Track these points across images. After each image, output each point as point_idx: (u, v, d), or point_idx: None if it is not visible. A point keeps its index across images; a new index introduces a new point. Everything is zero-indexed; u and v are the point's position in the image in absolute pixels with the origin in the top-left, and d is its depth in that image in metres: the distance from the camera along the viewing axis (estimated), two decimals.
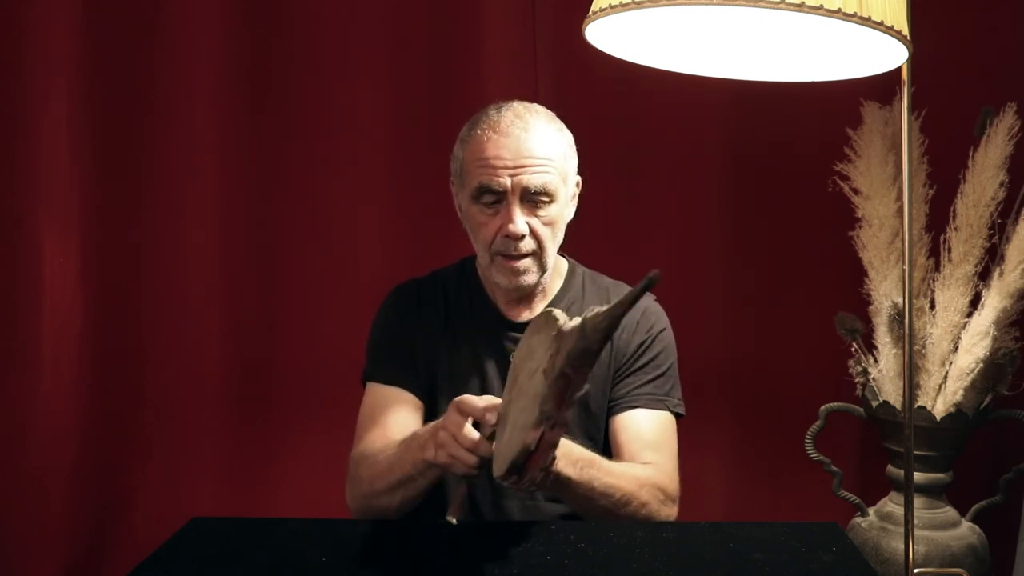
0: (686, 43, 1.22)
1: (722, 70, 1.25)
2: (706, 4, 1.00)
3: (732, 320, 2.14)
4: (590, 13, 1.09)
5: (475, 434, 1.10)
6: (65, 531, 2.10)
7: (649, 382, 1.42)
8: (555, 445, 0.96)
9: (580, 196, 1.47)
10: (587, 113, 2.02)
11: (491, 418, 1.09)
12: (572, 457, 1.20)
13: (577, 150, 1.44)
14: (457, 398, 1.14)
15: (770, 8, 0.95)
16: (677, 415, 1.44)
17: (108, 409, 2.12)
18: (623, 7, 1.01)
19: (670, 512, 1.33)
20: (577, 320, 0.95)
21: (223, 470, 2.14)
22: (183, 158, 2.09)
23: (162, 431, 2.14)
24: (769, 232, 2.13)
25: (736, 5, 0.97)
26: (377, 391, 1.43)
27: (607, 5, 1.04)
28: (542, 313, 1.04)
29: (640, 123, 2.11)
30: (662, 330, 1.47)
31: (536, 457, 0.94)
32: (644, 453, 1.36)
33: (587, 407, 1.41)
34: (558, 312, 1.00)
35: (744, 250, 2.14)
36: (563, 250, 1.47)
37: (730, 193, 2.13)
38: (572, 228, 1.45)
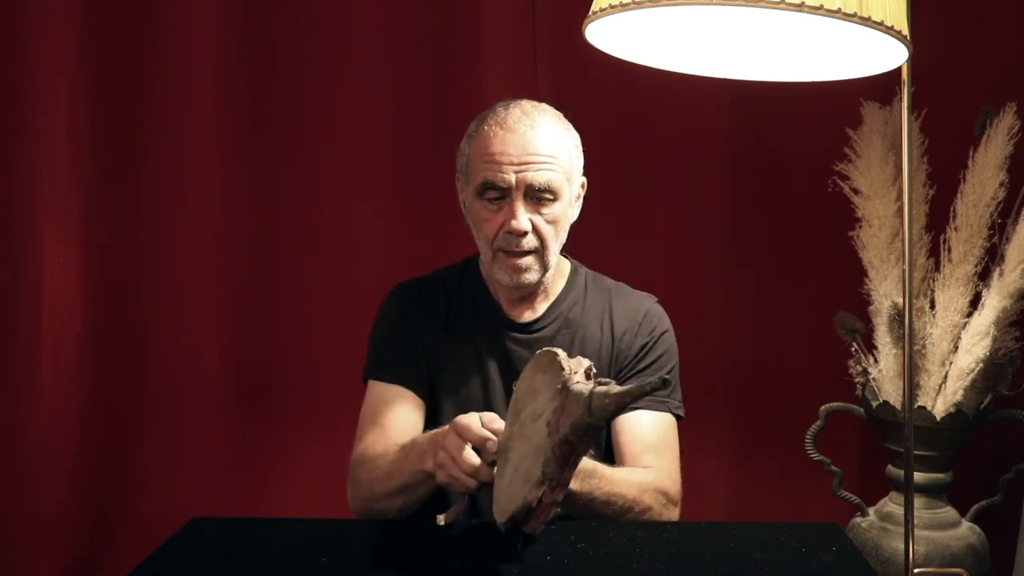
0: (686, 43, 1.22)
1: (722, 70, 1.25)
2: (706, 4, 1.00)
3: (732, 320, 2.14)
4: (590, 13, 1.09)
5: (475, 459, 1.10)
6: (65, 531, 2.10)
7: None
8: (558, 502, 0.98)
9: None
10: (587, 113, 2.01)
11: (491, 447, 1.09)
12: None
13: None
14: (457, 419, 1.14)
15: (770, 8, 0.95)
16: (677, 417, 1.44)
17: (108, 409, 2.13)
18: (623, 7, 1.01)
19: (672, 515, 1.34)
20: (582, 386, 0.96)
21: (223, 470, 2.14)
22: (183, 158, 2.09)
23: (162, 431, 2.14)
24: (769, 232, 2.13)
25: (736, 5, 0.97)
26: (378, 390, 1.43)
27: (607, 5, 1.04)
28: (545, 353, 1.04)
29: (640, 123, 2.11)
30: (664, 332, 1.47)
31: (539, 512, 0.96)
32: (646, 456, 1.36)
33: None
34: (562, 356, 1.01)
35: (744, 250, 2.14)
36: (564, 250, 1.47)
37: (730, 193, 2.13)
38: (573, 228, 1.45)
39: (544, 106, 1.41)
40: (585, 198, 1.47)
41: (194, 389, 2.14)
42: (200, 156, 2.09)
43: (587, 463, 1.23)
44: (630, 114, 2.10)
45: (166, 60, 2.07)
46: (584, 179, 1.45)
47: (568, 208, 1.40)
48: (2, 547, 2.08)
